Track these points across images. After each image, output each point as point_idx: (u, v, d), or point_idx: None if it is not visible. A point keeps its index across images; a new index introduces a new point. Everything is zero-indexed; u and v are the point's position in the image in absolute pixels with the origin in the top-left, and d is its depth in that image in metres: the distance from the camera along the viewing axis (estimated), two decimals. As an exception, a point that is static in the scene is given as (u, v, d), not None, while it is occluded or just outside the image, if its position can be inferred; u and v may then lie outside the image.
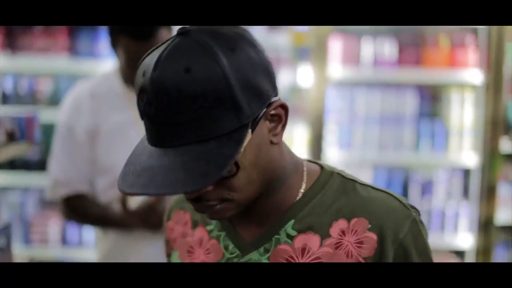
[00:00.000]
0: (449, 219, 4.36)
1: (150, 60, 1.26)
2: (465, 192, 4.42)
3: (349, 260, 1.35)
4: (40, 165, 4.35)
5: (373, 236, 1.35)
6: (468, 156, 4.29)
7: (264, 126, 1.30)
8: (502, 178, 4.29)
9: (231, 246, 1.44)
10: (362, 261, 1.35)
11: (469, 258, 4.35)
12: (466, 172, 4.40)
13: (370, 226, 1.35)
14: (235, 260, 1.42)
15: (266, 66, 1.31)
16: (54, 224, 4.35)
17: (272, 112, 1.31)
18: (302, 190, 1.41)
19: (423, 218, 4.35)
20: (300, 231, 1.38)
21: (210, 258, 1.46)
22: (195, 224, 1.52)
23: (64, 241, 4.37)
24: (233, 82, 1.23)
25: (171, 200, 1.64)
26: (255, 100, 1.26)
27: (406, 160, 4.36)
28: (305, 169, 1.44)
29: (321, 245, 1.37)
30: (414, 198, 4.38)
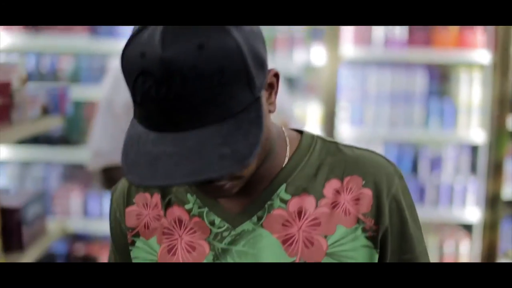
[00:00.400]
0: (457, 194, 4.48)
1: (147, 40, 1.15)
2: (473, 167, 4.53)
3: (347, 217, 1.33)
4: (62, 140, 4.50)
5: (369, 192, 1.34)
6: (476, 133, 4.41)
7: (263, 96, 1.25)
8: (509, 154, 4.40)
9: (218, 220, 1.37)
10: (361, 217, 1.33)
11: (477, 232, 4.47)
12: (474, 149, 4.52)
13: (364, 182, 1.34)
14: (226, 234, 1.36)
15: (262, 34, 1.25)
16: (75, 197, 4.49)
17: (268, 81, 1.27)
18: (287, 155, 1.38)
19: (432, 192, 4.48)
20: (294, 194, 1.35)
21: (196, 237, 1.38)
22: (167, 205, 1.42)
23: (85, 213, 4.52)
24: (246, 55, 1.17)
25: (121, 184, 1.50)
26: (260, 71, 1.21)
27: (416, 136, 4.47)
28: (286, 134, 1.40)
29: (317, 206, 1.34)
30: (424, 173, 4.50)
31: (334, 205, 1.34)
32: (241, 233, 1.35)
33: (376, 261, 1.36)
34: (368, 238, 1.34)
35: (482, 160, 4.44)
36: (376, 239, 1.35)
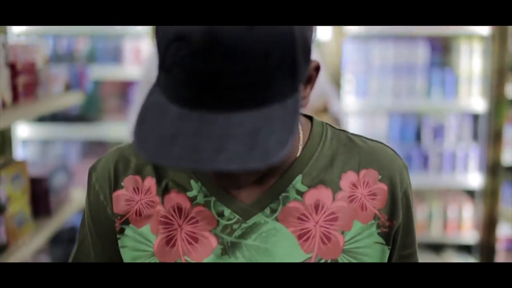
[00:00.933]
0: (459, 160, 4.64)
1: None
2: (475, 135, 4.70)
3: (364, 213, 1.28)
4: (80, 118, 4.70)
5: (384, 187, 1.29)
6: (477, 101, 4.56)
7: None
8: (508, 121, 4.55)
9: (227, 212, 1.27)
10: (377, 213, 1.28)
11: (479, 197, 4.65)
12: (475, 117, 4.68)
13: (380, 177, 1.29)
14: (236, 227, 1.26)
15: None
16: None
17: (308, 73, 1.16)
18: (301, 144, 1.30)
19: (436, 160, 4.59)
20: (310, 186, 1.27)
21: (199, 228, 1.27)
22: (164, 191, 1.30)
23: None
24: (298, 43, 1.07)
25: (104, 164, 1.35)
26: (305, 61, 1.11)
27: (419, 106, 4.63)
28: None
29: (334, 199, 1.27)
30: (427, 141, 4.67)
31: (351, 199, 1.28)
32: (253, 226, 1.26)
33: (387, 258, 1.32)
34: (380, 234, 1.30)
35: (483, 128, 4.60)
36: (389, 235, 1.30)
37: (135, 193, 1.31)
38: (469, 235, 4.70)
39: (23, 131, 4.61)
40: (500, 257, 4.69)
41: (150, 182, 1.31)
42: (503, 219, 4.52)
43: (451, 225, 4.68)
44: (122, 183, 1.32)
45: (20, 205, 2.53)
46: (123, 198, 1.31)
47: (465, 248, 4.83)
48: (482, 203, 4.60)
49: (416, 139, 4.70)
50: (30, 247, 2.56)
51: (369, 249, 1.28)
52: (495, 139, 4.49)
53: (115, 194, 1.32)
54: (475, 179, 4.63)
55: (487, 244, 4.59)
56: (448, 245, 4.83)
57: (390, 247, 1.31)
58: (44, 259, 4.45)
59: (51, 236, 2.82)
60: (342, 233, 1.27)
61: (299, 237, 1.26)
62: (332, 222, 1.27)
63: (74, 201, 3.08)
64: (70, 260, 1.42)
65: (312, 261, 1.26)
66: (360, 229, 1.28)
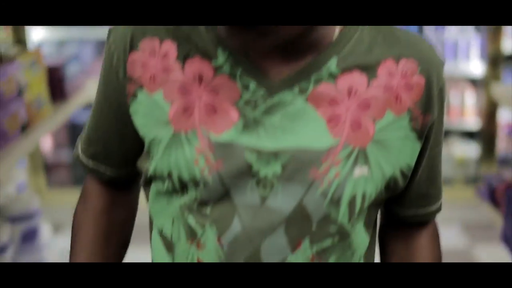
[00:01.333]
0: (461, 49, 4.79)
1: None
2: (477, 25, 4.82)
3: (398, 104, 1.22)
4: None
5: (422, 80, 1.23)
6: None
7: None
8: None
9: (253, 85, 1.20)
10: (412, 106, 1.23)
11: (481, 84, 4.80)
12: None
13: (420, 69, 1.23)
14: (260, 102, 1.19)
15: None
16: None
17: None
18: (337, 28, 1.22)
19: (438, 48, 4.71)
20: (345, 70, 1.20)
21: (220, 99, 1.20)
22: (186, 56, 1.22)
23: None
24: None
25: (124, 26, 1.27)
26: None
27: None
28: None
29: (368, 85, 1.21)
30: (429, 31, 4.80)
31: (386, 88, 1.21)
32: (279, 103, 1.19)
33: (417, 153, 1.28)
34: (413, 128, 1.25)
35: (484, 17, 4.70)
36: (422, 130, 1.26)
37: (152, 56, 1.23)
38: (472, 121, 4.87)
39: (38, 34, 4.76)
40: (502, 143, 4.86)
41: (167, 46, 1.23)
42: (504, 104, 4.67)
43: (454, 112, 4.85)
44: (138, 46, 1.24)
45: (38, 90, 2.72)
46: (138, 61, 1.23)
47: (468, 134, 5.00)
48: (483, 90, 4.73)
49: (418, 30, 4.84)
50: (49, 125, 2.81)
51: (399, 142, 1.23)
52: (495, 29, 4.59)
53: (130, 56, 1.24)
54: (477, 67, 4.77)
55: (488, 130, 4.76)
56: (452, 131, 5.00)
57: (422, 143, 1.27)
58: (65, 154, 4.68)
59: (67, 119, 3.02)
60: (374, 121, 1.21)
61: (328, 120, 1.20)
62: (364, 109, 1.20)
63: (89, 91, 3.29)
64: (82, 134, 1.38)
65: (340, 147, 1.20)
66: (392, 120, 1.22)
